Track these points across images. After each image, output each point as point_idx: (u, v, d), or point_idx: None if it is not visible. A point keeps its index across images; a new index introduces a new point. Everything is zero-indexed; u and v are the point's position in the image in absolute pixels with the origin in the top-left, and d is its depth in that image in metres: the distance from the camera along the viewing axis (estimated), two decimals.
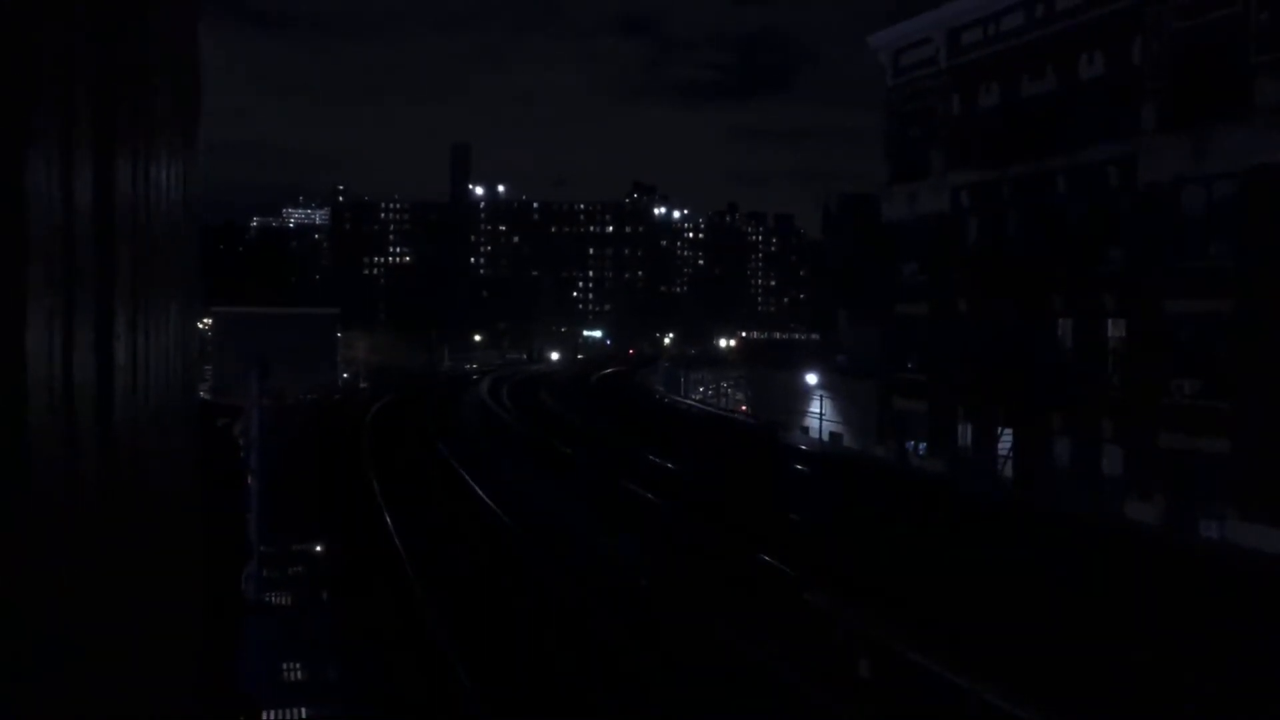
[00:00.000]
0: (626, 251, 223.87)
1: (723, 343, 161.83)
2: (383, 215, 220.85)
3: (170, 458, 4.49)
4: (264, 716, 11.42)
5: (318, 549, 20.45)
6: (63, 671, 2.27)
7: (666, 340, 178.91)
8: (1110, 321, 32.70)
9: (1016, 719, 13.22)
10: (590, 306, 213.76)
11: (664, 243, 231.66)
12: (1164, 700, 14.93)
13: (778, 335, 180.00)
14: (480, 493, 32.46)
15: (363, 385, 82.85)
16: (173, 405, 4.58)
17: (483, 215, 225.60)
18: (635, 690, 15.96)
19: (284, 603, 16.99)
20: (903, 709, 14.97)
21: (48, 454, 2.12)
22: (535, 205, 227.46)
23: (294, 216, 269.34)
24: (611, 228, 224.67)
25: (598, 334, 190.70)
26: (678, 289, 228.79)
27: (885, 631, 16.24)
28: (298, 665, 13.36)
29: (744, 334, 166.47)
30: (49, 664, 2.14)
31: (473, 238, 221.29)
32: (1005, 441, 37.29)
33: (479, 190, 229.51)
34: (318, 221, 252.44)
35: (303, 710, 12.15)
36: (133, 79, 3.28)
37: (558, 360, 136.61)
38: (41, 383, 2.02)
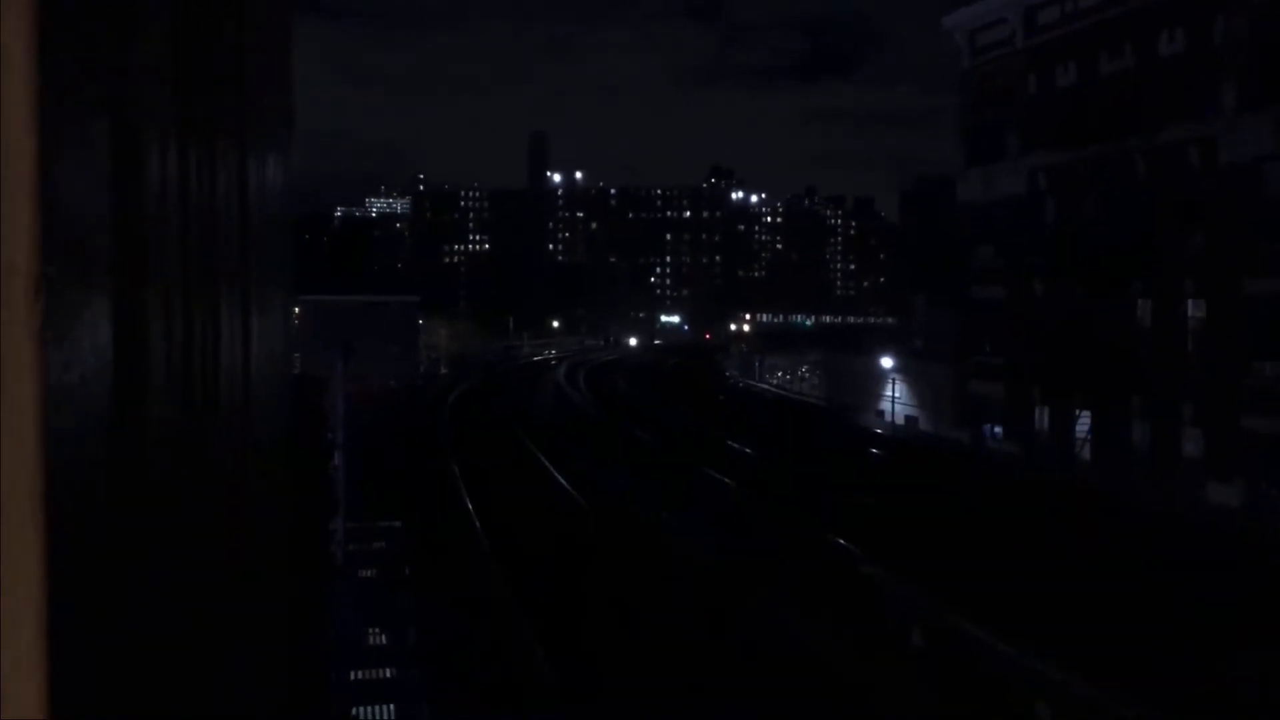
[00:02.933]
0: (704, 237, 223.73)
1: (732, 326, 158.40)
2: (462, 204, 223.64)
3: (276, 424, 5.07)
4: (351, 675, 12.25)
5: (398, 525, 21.36)
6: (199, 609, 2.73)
7: (745, 326, 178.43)
8: (1190, 302, 32.30)
9: (1068, 691, 13.51)
10: (667, 292, 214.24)
11: (741, 227, 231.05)
12: (1216, 672, 15.05)
13: (792, 317, 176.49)
14: (557, 475, 33.22)
15: (443, 371, 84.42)
16: (277, 381, 5.15)
17: (560, 202, 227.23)
18: (694, 661, 16.49)
19: (369, 575, 17.89)
20: (951, 677, 15.36)
21: (229, 419, 2.77)
22: (612, 192, 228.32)
23: (376, 206, 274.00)
24: (689, 213, 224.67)
25: (675, 319, 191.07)
26: (755, 274, 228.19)
27: (941, 606, 16.57)
28: (381, 632, 14.17)
29: (751, 316, 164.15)
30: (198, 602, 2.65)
31: (550, 225, 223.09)
32: (1083, 424, 37.01)
33: (556, 177, 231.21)
34: (399, 210, 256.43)
35: (387, 671, 12.94)
36: (243, 79, 3.67)
37: (635, 346, 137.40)
38: (226, 352, 2.63)
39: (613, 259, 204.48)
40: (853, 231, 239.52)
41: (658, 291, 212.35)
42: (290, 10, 6.56)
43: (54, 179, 1.35)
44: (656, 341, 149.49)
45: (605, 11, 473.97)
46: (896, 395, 48.71)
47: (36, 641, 1.32)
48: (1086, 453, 36.52)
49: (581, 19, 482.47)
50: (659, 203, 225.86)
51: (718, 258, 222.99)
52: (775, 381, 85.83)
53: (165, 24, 2.07)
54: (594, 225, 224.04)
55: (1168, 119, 32.39)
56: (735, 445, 40.05)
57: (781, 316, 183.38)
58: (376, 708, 13.67)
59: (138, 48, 1.81)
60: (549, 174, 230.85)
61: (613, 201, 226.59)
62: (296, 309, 74.07)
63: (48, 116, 1.33)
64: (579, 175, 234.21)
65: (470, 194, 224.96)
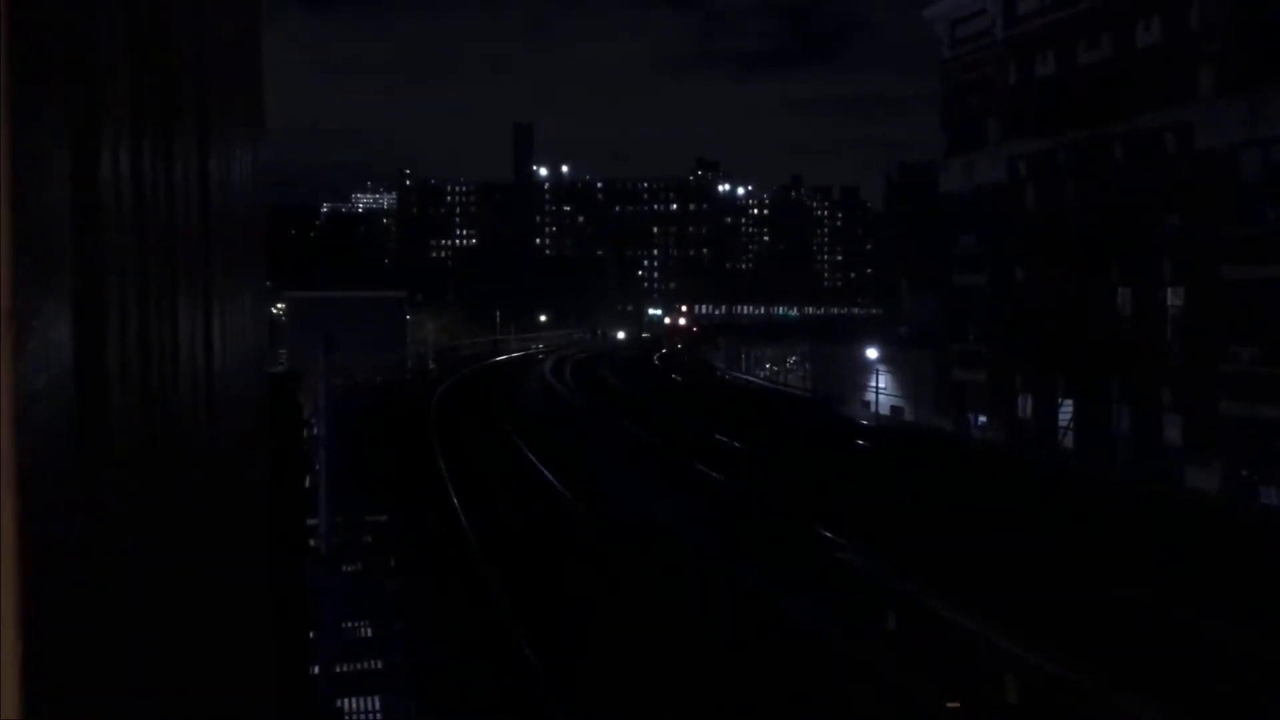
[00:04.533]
0: (691, 229, 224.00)
1: (666, 320, 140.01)
2: (448, 198, 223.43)
3: (247, 420, 5.17)
4: (336, 668, 12.40)
5: (384, 519, 21.49)
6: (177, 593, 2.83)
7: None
8: (1169, 289, 32.59)
9: (1031, 665, 13.76)
10: (655, 284, 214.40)
11: (728, 219, 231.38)
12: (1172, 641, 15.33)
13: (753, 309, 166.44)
14: (542, 468, 33.35)
15: (431, 366, 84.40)
16: (246, 378, 5.23)
17: (547, 195, 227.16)
18: (677, 649, 16.68)
19: (355, 569, 18.04)
20: (925, 655, 15.68)
21: (193, 414, 2.87)
22: (599, 185, 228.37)
23: (363, 200, 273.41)
24: (675, 205, 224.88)
25: (662, 312, 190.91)
26: (743, 265, 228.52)
27: (914, 588, 16.85)
28: (366, 624, 14.32)
29: (688, 309, 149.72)
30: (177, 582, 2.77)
31: (537, 218, 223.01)
32: (1065, 411, 37.32)
33: (542, 170, 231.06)
34: (385, 205, 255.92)
35: (374, 663, 13.09)
36: (211, 75, 3.64)
37: (623, 339, 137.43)
38: (185, 357, 2.72)
39: (600, 252, 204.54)
40: (839, 222, 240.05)
41: (645, 284, 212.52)
42: (256, 3, 6.55)
43: (21, 195, 1.38)
44: (644, 335, 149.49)
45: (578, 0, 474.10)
46: (882, 385, 48.92)
47: (12, 642, 1.37)
48: (1070, 440, 36.83)
49: (556, 5, 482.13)
50: (645, 195, 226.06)
51: (705, 250, 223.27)
52: (764, 374, 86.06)
53: (119, 17, 2.06)
54: (581, 218, 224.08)
55: (1146, 106, 32.64)
56: (722, 438, 40.23)
57: (724, 308, 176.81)
58: (362, 699, 13.82)
59: (92, 43, 1.81)
60: (535, 167, 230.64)
61: (599, 194, 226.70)
62: (282, 305, 73.86)
63: (15, 129, 1.38)
64: (565, 169, 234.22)
65: (456, 188, 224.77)
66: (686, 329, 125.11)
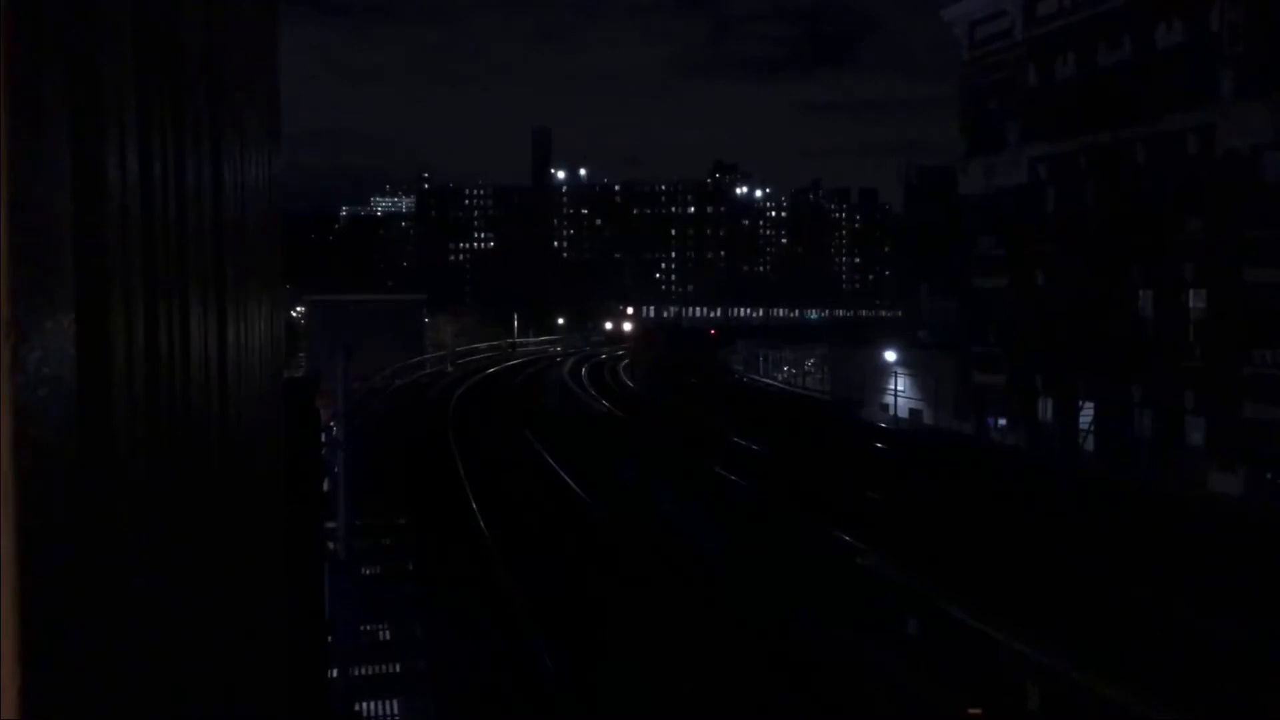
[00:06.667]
0: (709, 231, 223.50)
1: (608, 325, 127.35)
2: (467, 201, 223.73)
3: (263, 426, 5.16)
4: (353, 671, 12.41)
5: (403, 521, 21.52)
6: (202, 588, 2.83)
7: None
8: (1191, 291, 32.33)
9: (1048, 669, 13.65)
10: (673, 287, 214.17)
11: (746, 222, 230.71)
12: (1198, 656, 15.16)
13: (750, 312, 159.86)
14: (560, 471, 33.35)
15: (449, 369, 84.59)
16: (264, 382, 5.23)
17: (564, 198, 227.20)
18: (696, 657, 16.62)
19: (374, 571, 18.08)
20: (946, 661, 15.58)
21: (205, 421, 2.85)
22: (616, 187, 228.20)
23: (381, 204, 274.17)
24: (693, 208, 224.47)
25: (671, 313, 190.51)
26: (761, 268, 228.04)
27: (935, 593, 16.77)
28: (386, 626, 14.35)
29: (635, 311, 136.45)
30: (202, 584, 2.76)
31: (555, 221, 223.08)
32: (1086, 414, 37.07)
33: (560, 174, 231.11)
34: (404, 209, 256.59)
35: (395, 666, 13.11)
36: (224, 80, 3.53)
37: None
38: (197, 365, 2.71)
39: (618, 255, 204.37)
40: (857, 224, 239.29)
41: (663, 287, 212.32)
42: (272, 11, 6.52)
43: (20, 202, 1.40)
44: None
45: (590, 4, 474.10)
46: (900, 389, 48.70)
47: (10, 647, 1.37)
48: (1090, 444, 36.57)
49: (569, 10, 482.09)
50: (663, 198, 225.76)
51: (723, 252, 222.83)
52: (782, 376, 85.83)
53: (127, 23, 2.04)
54: (599, 221, 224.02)
55: (1167, 108, 32.39)
56: (740, 441, 40.14)
57: (674, 309, 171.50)
58: (381, 702, 13.83)
59: (97, 47, 1.78)
60: (553, 170, 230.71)
61: (617, 198, 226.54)
62: (302, 309, 74.13)
63: (14, 134, 1.41)
64: (583, 172, 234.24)
65: (475, 191, 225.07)
66: (617, 333, 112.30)
